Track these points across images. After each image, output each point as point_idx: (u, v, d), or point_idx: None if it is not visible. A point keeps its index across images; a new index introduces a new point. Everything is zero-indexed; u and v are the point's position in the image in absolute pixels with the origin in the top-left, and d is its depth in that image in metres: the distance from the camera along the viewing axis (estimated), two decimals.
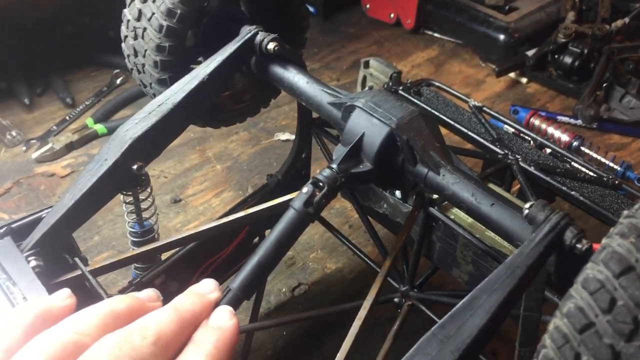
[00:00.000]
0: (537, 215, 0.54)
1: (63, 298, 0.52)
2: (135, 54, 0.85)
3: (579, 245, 0.52)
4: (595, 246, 0.52)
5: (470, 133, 1.01)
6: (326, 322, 1.11)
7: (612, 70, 1.60)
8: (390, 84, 1.13)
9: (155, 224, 0.86)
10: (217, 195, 1.41)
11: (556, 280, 0.55)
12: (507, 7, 1.92)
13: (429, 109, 1.06)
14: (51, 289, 0.64)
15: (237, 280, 0.63)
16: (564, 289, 0.62)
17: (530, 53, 1.76)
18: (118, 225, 1.32)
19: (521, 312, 0.65)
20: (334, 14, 2.13)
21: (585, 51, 1.67)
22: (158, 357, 0.45)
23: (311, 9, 2.06)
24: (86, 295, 0.73)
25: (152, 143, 0.76)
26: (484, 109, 1.08)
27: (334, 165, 0.67)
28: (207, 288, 0.56)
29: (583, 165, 1.00)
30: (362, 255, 1.02)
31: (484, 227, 0.80)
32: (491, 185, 0.90)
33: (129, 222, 0.84)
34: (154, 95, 0.89)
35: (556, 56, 1.72)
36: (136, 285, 0.84)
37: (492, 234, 0.80)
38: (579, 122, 1.59)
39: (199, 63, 0.95)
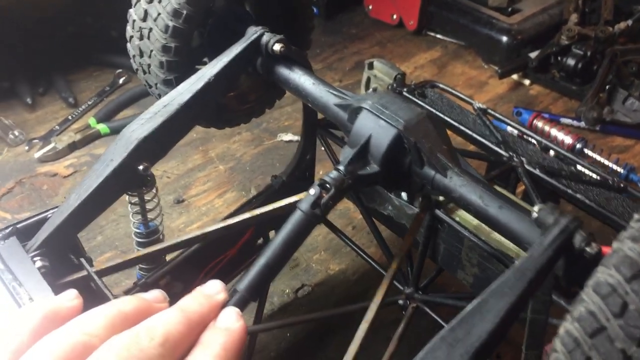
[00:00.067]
0: (546, 219, 0.54)
1: (70, 299, 0.52)
2: (141, 55, 0.85)
3: (588, 249, 0.52)
4: (604, 249, 0.52)
5: (475, 135, 1.01)
6: (330, 324, 1.11)
7: (615, 73, 1.60)
8: (395, 85, 1.13)
9: (161, 225, 0.86)
10: (220, 196, 1.41)
11: (565, 283, 0.55)
12: (509, 9, 1.92)
13: (434, 110, 1.06)
14: (57, 289, 0.64)
15: (244, 282, 0.63)
16: (572, 292, 0.62)
17: (533, 55, 1.76)
18: (121, 225, 1.32)
19: (528, 315, 0.65)
20: (337, 14, 2.13)
21: (588, 53, 1.67)
22: (166, 359, 0.45)
23: (314, 9, 2.06)
24: (91, 295, 0.73)
25: (158, 143, 0.76)
26: (489, 111, 1.08)
27: (341, 167, 0.67)
28: (213, 289, 0.56)
29: (587, 168, 0.99)
30: (365, 257, 1.02)
31: (489, 230, 0.80)
32: (496, 188, 0.89)
33: (134, 223, 0.84)
34: (159, 96, 0.89)
35: (559, 58, 1.72)
36: (141, 286, 0.84)
37: (497, 237, 0.80)
38: (582, 124, 1.59)
39: (204, 63, 0.95)
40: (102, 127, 1.57)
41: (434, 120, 0.68)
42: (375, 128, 0.68)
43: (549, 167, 0.96)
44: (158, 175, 1.44)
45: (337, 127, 0.98)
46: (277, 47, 0.79)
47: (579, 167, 1.00)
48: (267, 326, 1.02)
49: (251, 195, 1.40)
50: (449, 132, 0.81)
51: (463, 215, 0.84)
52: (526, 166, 0.95)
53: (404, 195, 0.80)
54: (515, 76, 1.81)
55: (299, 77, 0.80)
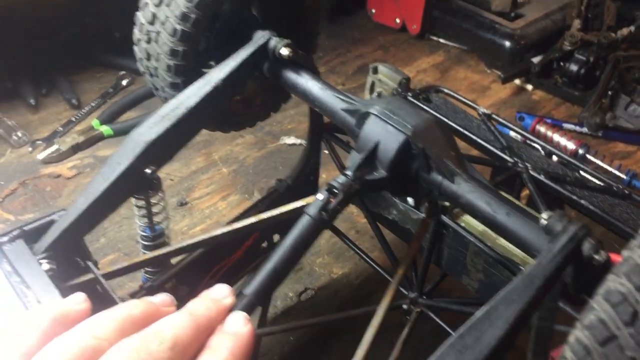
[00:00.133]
0: (554, 226, 0.54)
1: (79, 302, 0.52)
2: (148, 58, 0.86)
3: (597, 257, 0.52)
4: (613, 257, 0.53)
5: (479, 140, 1.02)
6: (333, 328, 1.11)
7: (618, 79, 1.60)
8: (399, 90, 1.14)
9: (167, 229, 0.86)
10: (224, 199, 1.41)
11: (573, 291, 0.55)
12: (512, 14, 1.92)
13: (439, 115, 1.06)
14: (63, 292, 0.64)
15: (251, 286, 0.63)
16: (578, 299, 0.62)
17: (535, 60, 1.76)
18: (124, 227, 1.32)
19: (534, 321, 0.65)
20: (340, 18, 2.13)
21: (591, 59, 1.67)
22: None
23: (320, 13, 2.06)
24: (97, 298, 0.73)
25: (166, 147, 0.76)
26: (493, 116, 1.08)
27: (349, 172, 0.67)
28: (221, 293, 0.56)
29: (592, 174, 1.00)
30: (369, 261, 1.02)
31: (495, 236, 0.81)
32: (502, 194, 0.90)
33: (140, 226, 0.84)
34: (166, 99, 0.90)
35: (562, 64, 1.73)
36: (147, 289, 0.84)
37: (503, 242, 0.80)
38: (585, 129, 1.59)
39: (210, 67, 0.95)
40: (106, 129, 1.57)
41: (441, 126, 0.68)
42: (383, 134, 0.68)
43: (554, 172, 0.96)
44: (161, 178, 1.44)
45: (343, 131, 0.99)
46: (284, 51, 0.80)
47: (582, 173, 1.01)
48: (271, 330, 1.02)
49: (254, 198, 1.41)
50: None
51: (468, 220, 0.84)
52: (531, 172, 0.95)
53: (410, 200, 0.80)
54: (517, 81, 1.81)
55: (307, 82, 0.80)
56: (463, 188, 0.64)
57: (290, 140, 1.58)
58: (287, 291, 1.18)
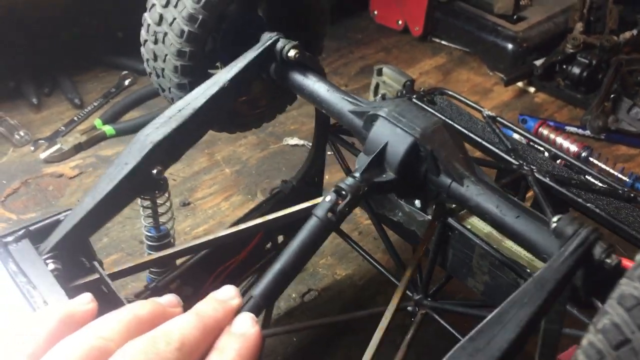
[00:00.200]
0: (565, 229, 0.54)
1: (85, 302, 0.52)
2: (155, 59, 0.85)
3: (608, 260, 0.52)
4: (625, 261, 0.53)
5: (484, 143, 1.01)
6: (336, 329, 1.11)
7: (620, 82, 1.61)
8: (404, 92, 1.13)
9: (172, 229, 0.86)
10: (226, 199, 1.41)
11: (583, 294, 0.55)
12: (515, 17, 1.93)
13: (443, 118, 1.06)
14: (69, 292, 0.64)
15: (258, 288, 0.63)
16: (587, 303, 0.62)
17: (538, 63, 1.76)
18: (127, 227, 1.32)
19: (542, 325, 0.65)
20: (342, 19, 2.13)
21: (594, 62, 1.68)
22: None
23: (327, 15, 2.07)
24: (101, 299, 0.72)
25: (172, 148, 0.76)
26: (498, 118, 1.08)
27: (357, 174, 0.67)
28: (228, 294, 0.55)
29: (596, 177, 1.00)
30: (374, 263, 1.02)
31: (500, 238, 0.81)
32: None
33: (145, 227, 0.84)
34: (172, 100, 0.89)
35: (564, 66, 1.73)
36: (152, 290, 0.84)
37: (509, 245, 0.80)
38: (587, 132, 1.59)
39: (217, 68, 0.95)
40: (108, 129, 1.57)
41: (449, 129, 0.68)
42: (392, 136, 0.68)
43: (559, 175, 0.96)
44: None
45: (349, 133, 0.99)
46: (292, 53, 0.79)
47: (587, 176, 1.01)
48: (275, 331, 1.02)
49: (257, 198, 1.41)
50: None
51: (474, 223, 0.84)
52: (536, 174, 0.95)
53: (417, 202, 0.80)
54: (520, 84, 1.81)
55: (314, 84, 0.80)
56: (472, 190, 0.64)
57: (293, 141, 1.58)
58: (290, 292, 1.18)
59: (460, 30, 1.96)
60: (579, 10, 1.84)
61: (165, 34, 0.82)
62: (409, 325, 0.91)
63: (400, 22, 2.06)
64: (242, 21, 0.92)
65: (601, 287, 0.55)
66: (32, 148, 1.51)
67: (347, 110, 0.76)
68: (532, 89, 1.81)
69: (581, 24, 1.81)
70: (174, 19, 0.80)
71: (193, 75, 0.85)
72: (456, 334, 0.89)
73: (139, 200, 0.82)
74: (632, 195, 0.94)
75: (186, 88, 0.85)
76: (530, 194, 0.99)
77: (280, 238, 1.06)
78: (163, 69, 0.85)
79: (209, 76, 0.81)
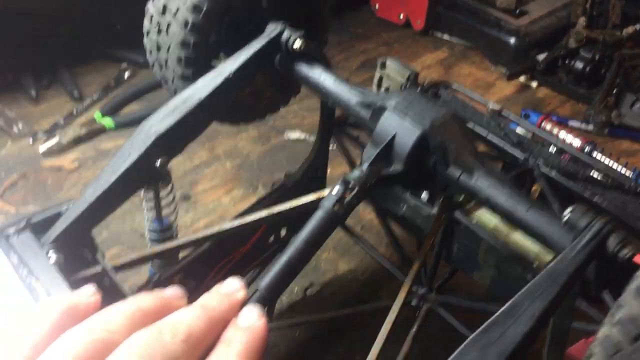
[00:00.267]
0: (578, 221, 0.53)
1: (89, 295, 0.51)
2: (158, 49, 0.84)
3: (622, 253, 0.51)
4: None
5: (490, 136, 1.00)
6: (339, 324, 1.10)
7: (623, 77, 1.60)
8: (408, 85, 1.12)
9: (175, 222, 0.85)
10: (227, 193, 1.40)
11: (596, 287, 0.55)
12: (517, 11, 1.91)
13: None
14: (72, 284, 0.63)
15: (264, 280, 0.62)
16: (592, 296, 0.61)
17: (540, 57, 1.76)
18: (127, 220, 1.30)
19: (552, 319, 0.64)
20: (343, 13, 2.12)
21: (596, 57, 1.67)
22: (189, 355, 0.44)
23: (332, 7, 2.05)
24: (104, 291, 0.72)
25: (176, 139, 0.75)
26: (503, 112, 1.07)
27: (365, 166, 0.66)
28: (233, 287, 0.55)
29: (603, 172, 0.99)
30: (377, 257, 1.02)
31: (508, 231, 0.80)
32: None
33: (148, 219, 0.83)
34: (175, 91, 0.88)
35: (567, 61, 1.72)
36: (155, 283, 0.83)
37: (516, 238, 0.79)
38: (590, 127, 1.59)
39: (219, 59, 0.94)
40: (108, 122, 1.55)
41: (459, 121, 0.67)
42: (400, 128, 0.67)
43: (565, 169, 0.95)
44: None
45: (354, 126, 0.98)
46: (297, 44, 0.78)
47: (593, 170, 1.00)
48: (277, 325, 1.01)
49: (258, 192, 1.40)
50: None
51: (481, 216, 0.83)
52: (543, 169, 0.94)
53: (423, 195, 0.79)
54: (522, 78, 1.80)
55: (320, 75, 0.79)
56: (482, 183, 0.63)
57: (295, 135, 1.57)
58: (292, 286, 1.17)
59: (462, 24, 1.95)
60: (582, 4, 1.83)
61: (169, 24, 0.81)
62: (412, 319, 0.91)
63: (401, 16, 2.05)
64: (246, 12, 0.91)
65: (613, 280, 0.55)
66: (31, 141, 1.50)
67: (355, 101, 0.75)
68: (534, 84, 1.80)
69: (584, 18, 1.80)
70: (178, 8, 0.79)
71: (197, 66, 0.84)
72: (461, 329, 0.89)
73: (140, 193, 0.80)
74: (638, 189, 0.94)
75: (190, 79, 0.84)
76: (535, 188, 0.98)
77: (283, 232, 1.05)
78: (166, 60, 0.84)
79: (212, 68, 0.80)
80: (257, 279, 1.02)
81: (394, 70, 1.26)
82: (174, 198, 0.82)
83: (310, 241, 0.64)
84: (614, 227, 0.52)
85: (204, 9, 0.79)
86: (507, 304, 0.50)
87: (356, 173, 0.65)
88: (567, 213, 0.55)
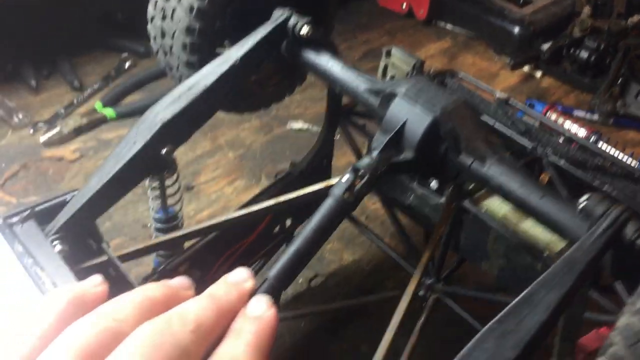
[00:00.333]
0: (594, 209, 0.52)
1: (96, 284, 0.50)
2: (163, 35, 0.83)
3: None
4: None
5: (498, 125, 0.99)
6: (344, 314, 1.10)
7: (628, 66, 1.59)
8: (414, 73, 1.11)
9: (180, 211, 0.84)
10: (230, 183, 1.38)
11: (611, 277, 0.54)
12: (521, 0, 1.90)
13: None
14: (77, 274, 0.62)
15: (273, 270, 0.61)
16: (603, 286, 0.60)
17: (544, 47, 1.74)
18: (129, 211, 1.29)
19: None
20: (346, 2, 2.10)
21: (601, 46, 1.65)
22: (198, 345, 0.43)
23: None
24: (109, 281, 0.71)
25: (182, 127, 0.74)
26: (510, 101, 1.06)
27: (375, 154, 0.65)
28: (241, 277, 0.54)
29: (611, 161, 0.98)
30: (383, 247, 1.01)
31: (517, 221, 0.79)
32: None
33: (153, 208, 0.82)
34: (180, 79, 0.87)
35: (571, 50, 1.71)
36: (160, 273, 0.82)
37: (526, 227, 0.78)
38: (595, 117, 1.58)
39: (224, 46, 0.92)
40: (109, 112, 1.54)
41: (470, 108, 0.66)
42: (411, 114, 0.66)
43: (574, 158, 0.94)
44: None
45: (361, 115, 0.97)
46: (305, 30, 0.77)
47: (601, 159, 0.99)
48: (283, 316, 1.00)
49: (262, 183, 1.39)
50: None
51: (490, 205, 0.82)
52: (551, 157, 0.93)
53: (433, 184, 0.78)
54: (526, 68, 1.79)
55: (327, 62, 0.78)
56: (494, 170, 0.62)
57: (298, 125, 1.56)
58: (297, 277, 1.16)
59: (465, 14, 1.93)
60: None
61: (174, 9, 0.79)
62: (418, 310, 0.90)
63: (404, 5, 2.03)
64: None
65: (629, 269, 0.54)
66: (31, 131, 1.48)
67: (363, 88, 0.74)
68: (538, 74, 1.79)
69: (588, 7, 1.78)
70: None
71: (202, 52, 0.82)
72: (469, 319, 0.88)
73: (144, 183, 0.79)
74: None
75: (195, 66, 0.82)
76: (543, 176, 0.97)
77: (289, 222, 1.04)
78: (171, 46, 0.83)
79: (217, 55, 0.78)
80: (265, 269, 1.01)
81: (399, 59, 1.24)
82: (179, 187, 0.81)
83: (320, 230, 0.63)
84: (630, 215, 0.51)
85: None
86: (522, 294, 0.49)
87: (366, 160, 0.64)
88: (582, 201, 0.54)
